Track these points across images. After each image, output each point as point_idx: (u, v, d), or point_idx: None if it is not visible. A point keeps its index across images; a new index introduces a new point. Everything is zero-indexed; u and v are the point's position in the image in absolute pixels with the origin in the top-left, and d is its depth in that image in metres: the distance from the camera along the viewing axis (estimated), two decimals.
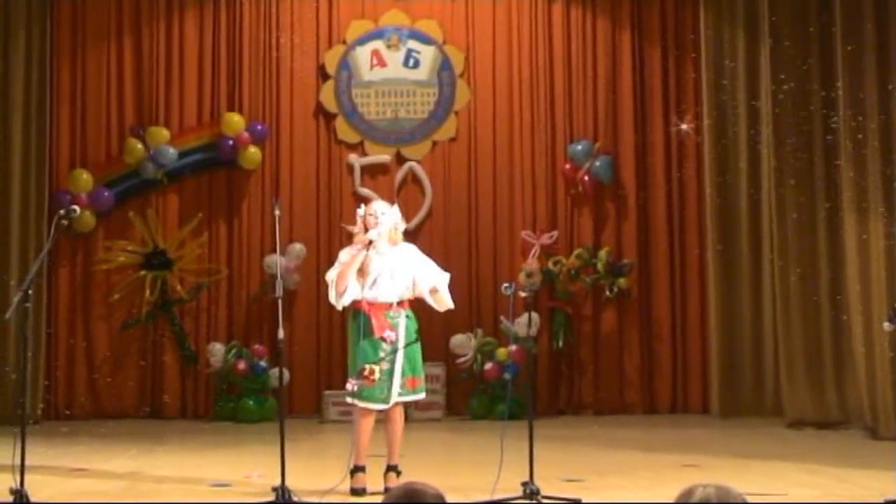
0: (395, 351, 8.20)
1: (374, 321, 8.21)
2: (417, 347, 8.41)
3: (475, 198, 14.32)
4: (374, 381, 8.15)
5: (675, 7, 14.28)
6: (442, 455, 11.06)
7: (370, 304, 8.24)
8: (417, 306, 8.71)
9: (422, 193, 14.29)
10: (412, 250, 8.54)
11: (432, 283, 8.46)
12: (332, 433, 12.24)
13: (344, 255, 8.38)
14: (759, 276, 13.41)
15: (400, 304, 8.34)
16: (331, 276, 8.32)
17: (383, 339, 8.20)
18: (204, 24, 14.19)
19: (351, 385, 8.23)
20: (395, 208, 8.64)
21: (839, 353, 12.52)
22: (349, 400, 8.35)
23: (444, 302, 8.56)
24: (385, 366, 8.18)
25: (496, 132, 14.38)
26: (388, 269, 8.28)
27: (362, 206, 8.63)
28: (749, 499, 3.59)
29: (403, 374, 8.25)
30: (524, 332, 12.63)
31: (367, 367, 8.17)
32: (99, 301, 13.92)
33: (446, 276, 8.58)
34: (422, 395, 8.60)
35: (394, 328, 8.25)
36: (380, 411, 8.29)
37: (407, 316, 8.35)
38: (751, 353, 13.45)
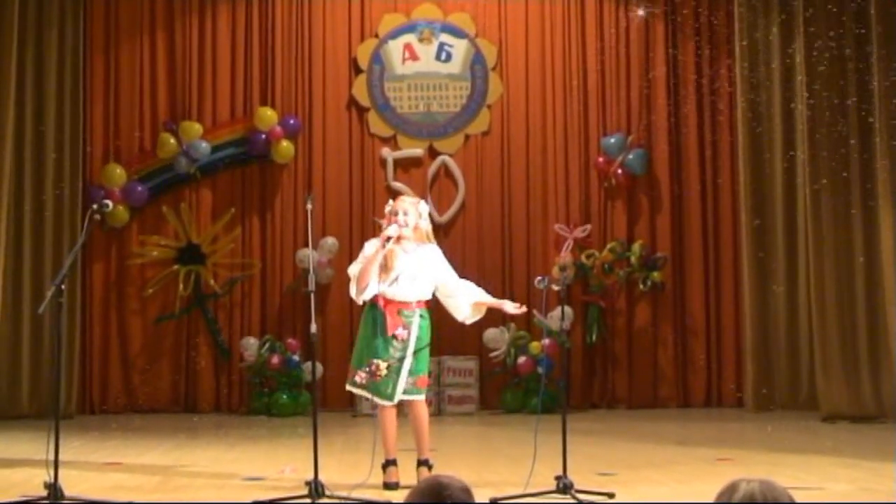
0: (405, 350, 8.16)
1: (388, 318, 8.17)
2: (427, 349, 8.38)
3: (508, 191, 14.30)
4: (380, 376, 8.14)
5: None
6: (475, 449, 11.05)
7: (387, 300, 8.21)
8: (433, 305, 8.65)
9: (455, 187, 14.29)
10: (436, 252, 8.47)
11: (477, 298, 8.38)
12: (366, 427, 12.21)
13: (369, 247, 8.34)
14: (794, 268, 13.34)
15: (417, 303, 8.30)
16: (353, 270, 8.27)
17: (395, 337, 8.17)
18: (236, 18, 14.22)
19: (360, 377, 8.21)
20: (423, 204, 8.56)
21: (875, 347, 12.45)
22: (351, 389, 8.33)
23: (480, 310, 8.48)
24: (393, 364, 8.16)
25: (529, 126, 14.37)
26: (410, 269, 8.24)
27: (391, 201, 8.60)
28: None
29: (411, 374, 8.22)
30: (557, 325, 12.60)
31: (375, 362, 8.15)
32: (133, 295, 13.97)
33: (475, 288, 8.51)
34: (423, 396, 8.49)
35: (407, 326, 8.20)
36: (400, 405, 8.28)
37: (421, 315, 8.30)
38: (785, 346, 13.38)
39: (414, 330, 8.21)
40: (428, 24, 14.40)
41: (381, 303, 8.20)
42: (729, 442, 10.86)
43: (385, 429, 8.25)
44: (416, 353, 8.21)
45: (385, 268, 8.19)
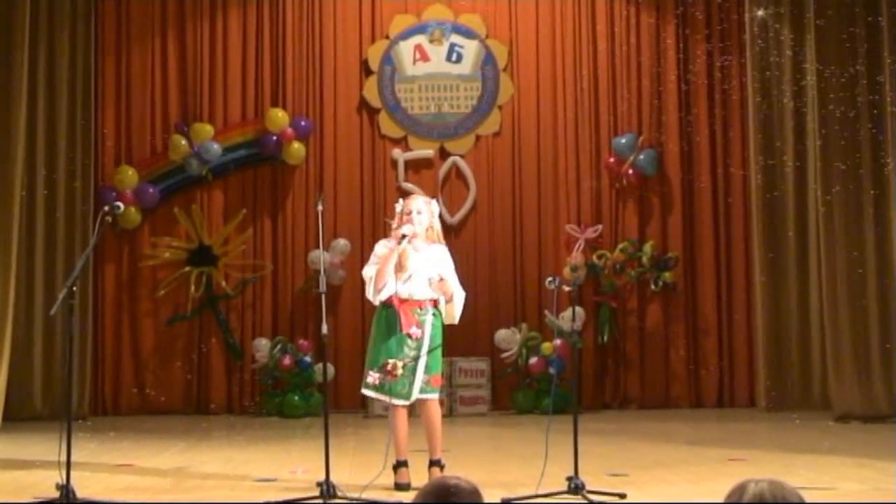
0: (419, 349, 8.15)
1: (402, 317, 8.16)
2: (440, 350, 8.36)
3: (519, 192, 14.30)
4: (396, 376, 8.12)
5: None
6: (487, 449, 11.04)
7: (401, 300, 8.21)
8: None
9: (466, 188, 14.28)
10: (444, 253, 8.46)
11: (450, 291, 8.34)
12: (377, 428, 12.22)
13: (380, 248, 8.35)
14: (806, 268, 13.30)
15: (429, 301, 8.29)
16: (369, 272, 8.26)
17: (409, 336, 8.17)
18: (247, 20, 14.24)
19: (373, 378, 8.19)
20: (434, 204, 8.57)
21: (887, 347, 12.41)
22: (366, 392, 8.31)
23: (451, 314, 8.44)
24: (409, 362, 8.15)
25: (540, 126, 14.37)
26: (422, 267, 8.24)
27: (401, 200, 8.58)
28: None
29: (427, 372, 8.21)
30: (569, 326, 12.60)
31: (391, 361, 8.13)
32: (145, 297, 14.00)
33: (462, 294, 8.47)
34: (437, 395, 8.48)
35: (420, 325, 8.20)
36: (412, 406, 8.26)
37: (434, 314, 8.30)
38: (798, 346, 13.34)
39: (427, 328, 8.21)
40: (438, 25, 14.41)
41: (395, 302, 8.20)
42: (741, 442, 10.83)
43: (396, 430, 8.24)
44: (429, 352, 8.21)
45: (399, 267, 8.19)
